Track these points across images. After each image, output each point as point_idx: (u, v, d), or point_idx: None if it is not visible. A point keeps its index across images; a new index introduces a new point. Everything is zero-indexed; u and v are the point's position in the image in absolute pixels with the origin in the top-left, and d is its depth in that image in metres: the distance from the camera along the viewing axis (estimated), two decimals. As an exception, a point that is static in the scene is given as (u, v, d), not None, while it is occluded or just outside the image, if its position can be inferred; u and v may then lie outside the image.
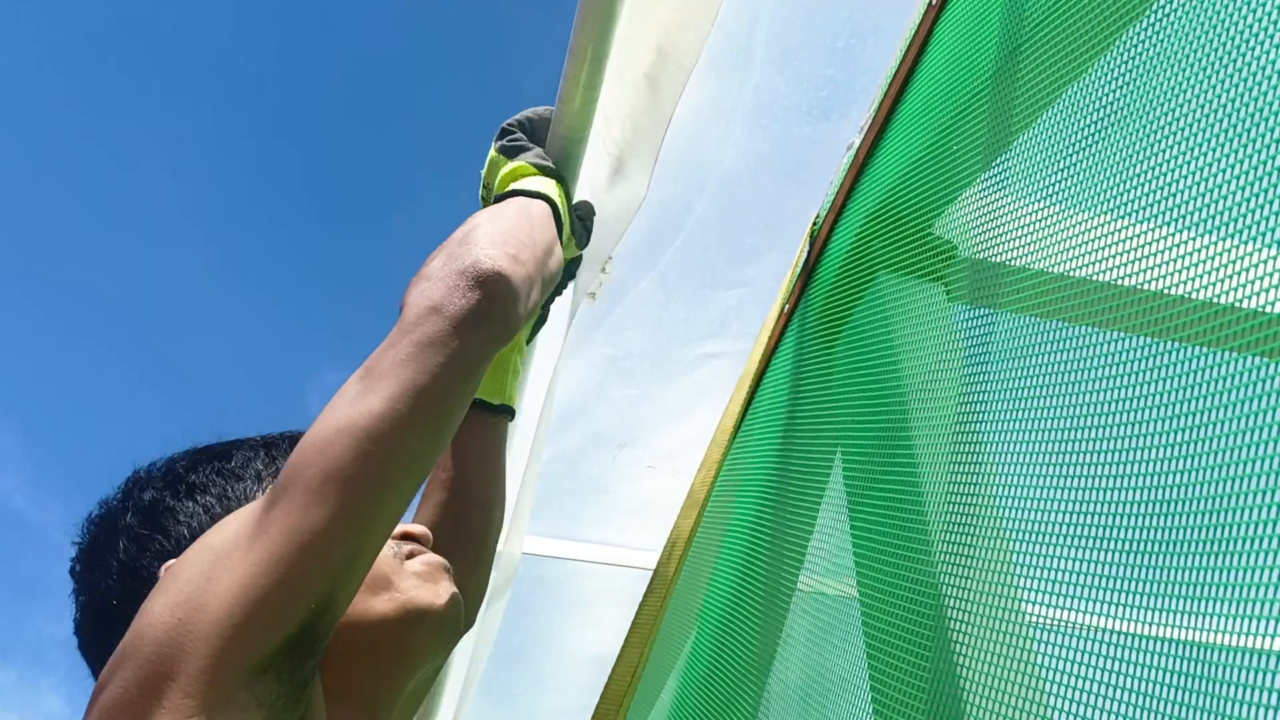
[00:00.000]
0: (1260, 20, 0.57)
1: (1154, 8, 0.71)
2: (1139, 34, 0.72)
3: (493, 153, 1.09)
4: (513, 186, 1.01)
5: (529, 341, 1.20)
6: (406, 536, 0.89)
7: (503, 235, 0.84)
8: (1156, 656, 0.53)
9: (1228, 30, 0.60)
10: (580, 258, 1.20)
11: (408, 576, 0.82)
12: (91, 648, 0.80)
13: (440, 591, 0.83)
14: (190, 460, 0.83)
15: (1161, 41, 0.69)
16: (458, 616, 0.86)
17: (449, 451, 1.10)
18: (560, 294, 1.20)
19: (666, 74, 1.08)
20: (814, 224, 1.50)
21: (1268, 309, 0.50)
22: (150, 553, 0.77)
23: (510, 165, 1.05)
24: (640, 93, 1.10)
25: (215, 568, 0.63)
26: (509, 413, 1.15)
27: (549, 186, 1.02)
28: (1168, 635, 0.53)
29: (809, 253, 1.46)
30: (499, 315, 0.78)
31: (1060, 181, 0.78)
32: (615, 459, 2.39)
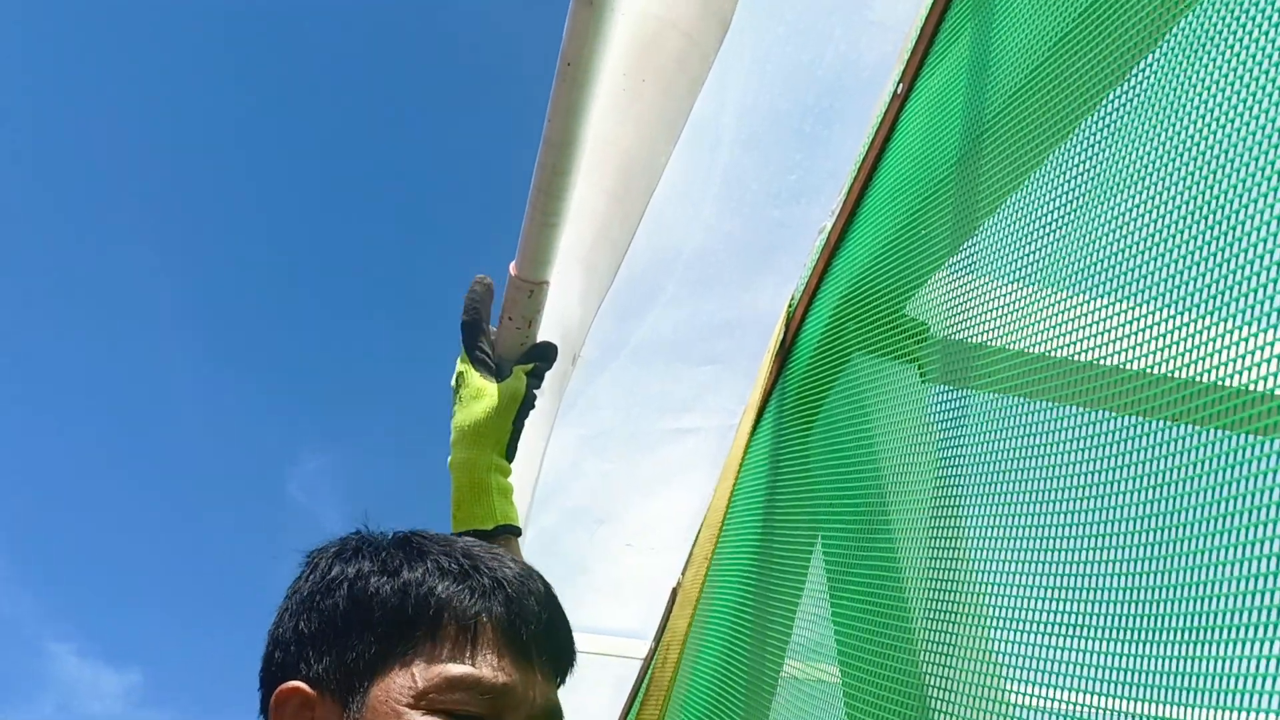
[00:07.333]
0: (1213, 110, 0.58)
1: (1110, 97, 0.73)
2: (1099, 120, 0.74)
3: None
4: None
5: (510, 460, 1.14)
6: (455, 685, 0.70)
7: None
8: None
9: (1183, 118, 0.62)
10: (544, 368, 1.17)
11: None
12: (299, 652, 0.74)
13: None
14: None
15: (1122, 127, 0.71)
16: None
17: None
18: (531, 408, 1.17)
19: (631, 189, 1.10)
20: (789, 306, 1.51)
21: (1236, 386, 0.51)
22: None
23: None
24: (607, 204, 1.11)
25: None
26: (512, 532, 1.08)
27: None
28: (1155, 714, 0.53)
29: (784, 335, 1.47)
30: None
31: (1027, 262, 0.80)
32: (594, 536, 2.37)
